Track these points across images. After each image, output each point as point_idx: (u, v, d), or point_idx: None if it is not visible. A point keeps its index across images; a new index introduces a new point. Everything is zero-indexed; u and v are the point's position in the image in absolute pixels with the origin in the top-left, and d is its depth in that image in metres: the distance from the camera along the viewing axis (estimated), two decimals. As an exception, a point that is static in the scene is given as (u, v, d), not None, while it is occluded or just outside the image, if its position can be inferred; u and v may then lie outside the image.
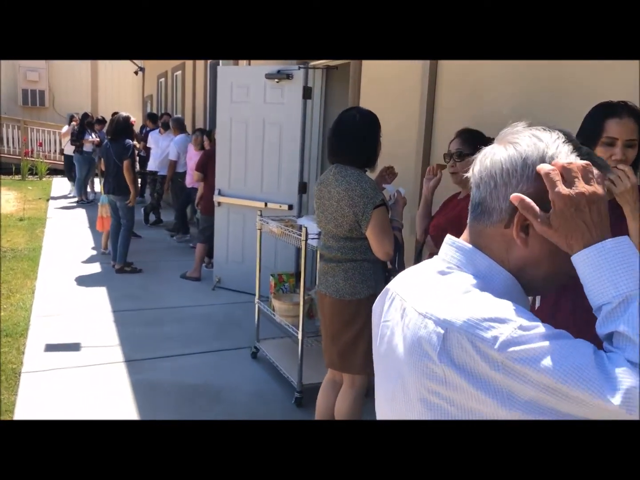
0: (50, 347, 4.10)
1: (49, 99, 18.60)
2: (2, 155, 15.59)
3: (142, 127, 11.00)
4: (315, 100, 5.20)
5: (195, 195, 7.53)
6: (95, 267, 6.41)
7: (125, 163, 6.16)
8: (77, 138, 10.86)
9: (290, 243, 3.66)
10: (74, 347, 4.14)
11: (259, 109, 5.31)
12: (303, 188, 5.27)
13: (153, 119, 10.20)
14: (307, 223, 3.41)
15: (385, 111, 3.45)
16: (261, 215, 3.87)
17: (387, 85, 3.99)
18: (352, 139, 2.65)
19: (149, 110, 13.77)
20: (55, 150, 16.33)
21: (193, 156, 7.29)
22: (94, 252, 7.10)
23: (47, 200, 11.28)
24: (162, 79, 12.25)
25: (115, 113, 10.80)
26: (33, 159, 15.14)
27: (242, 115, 5.41)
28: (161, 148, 8.86)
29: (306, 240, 3.22)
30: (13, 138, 15.94)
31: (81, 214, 9.93)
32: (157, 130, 9.07)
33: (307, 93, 5.13)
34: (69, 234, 8.09)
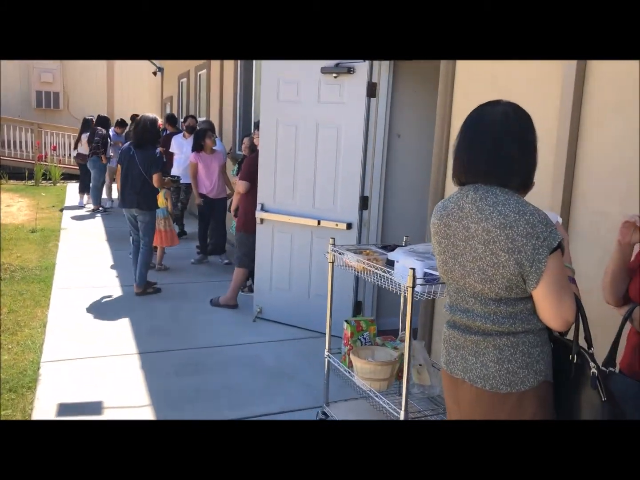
0: (64, 409, 3.26)
1: (64, 101, 17.92)
2: (15, 159, 14.89)
3: (163, 130, 10.21)
4: (381, 100, 4.34)
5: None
6: (116, 290, 5.59)
7: (156, 177, 5.32)
8: (101, 145, 10.02)
9: (379, 283, 2.80)
10: (95, 408, 3.30)
11: (311, 109, 4.46)
12: (364, 203, 4.41)
13: (172, 122, 9.41)
14: (405, 259, 2.55)
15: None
16: (334, 244, 3.01)
17: (503, 89, 3.11)
18: (508, 147, 1.78)
19: (169, 114, 13.00)
20: (70, 155, 15.61)
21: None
22: (114, 272, 6.28)
23: (61, 210, 10.51)
24: (184, 79, 11.46)
25: (135, 115, 10.07)
26: (47, 164, 14.41)
27: (291, 117, 4.56)
28: (186, 154, 8.04)
29: (414, 286, 2.35)
30: (26, 142, 15.23)
31: (97, 224, 9.14)
32: (181, 135, 8.26)
33: (371, 90, 4.27)
34: (85, 249, 7.28)
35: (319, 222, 4.49)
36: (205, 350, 4.23)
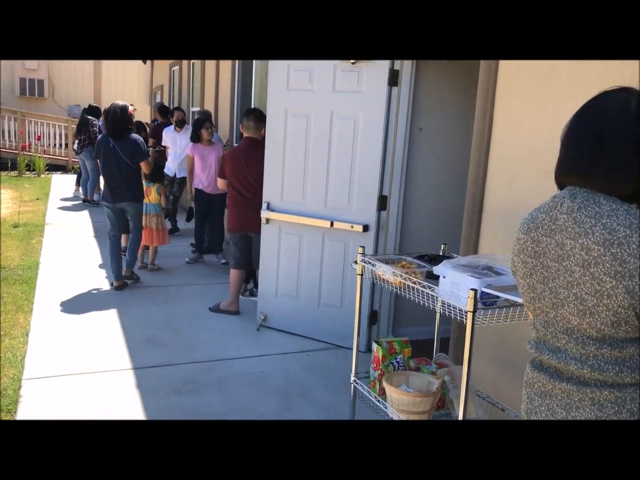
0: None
1: (49, 89, 17.30)
2: (-3, 149, 14.30)
3: (154, 120, 9.73)
4: (403, 89, 3.93)
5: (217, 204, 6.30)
6: (105, 293, 5.15)
7: (144, 164, 5.21)
8: (93, 135, 9.50)
9: (421, 302, 2.41)
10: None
11: (325, 98, 4.05)
12: (383, 203, 4.01)
13: (164, 112, 8.96)
14: (455, 275, 2.15)
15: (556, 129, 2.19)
16: (363, 253, 2.60)
17: (562, 88, 2.72)
18: (620, 144, 1.39)
19: (158, 102, 12.49)
20: (55, 145, 15.03)
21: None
22: (102, 272, 5.83)
23: (46, 200, 9.99)
24: (176, 67, 10.96)
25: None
26: (31, 154, 13.82)
27: (302, 107, 4.14)
28: (180, 147, 7.60)
29: (475, 310, 1.95)
30: (9, 131, 14.60)
31: (84, 218, 8.66)
32: (172, 127, 7.79)
33: (393, 78, 3.87)
34: (71, 246, 6.81)
35: (331, 224, 4.09)
36: (205, 365, 3.81)
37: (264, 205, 4.39)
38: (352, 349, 4.15)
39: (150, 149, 6.28)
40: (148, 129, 8.62)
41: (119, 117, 5.03)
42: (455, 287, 2.20)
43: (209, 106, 8.34)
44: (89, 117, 9.66)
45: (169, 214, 7.89)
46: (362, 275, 2.61)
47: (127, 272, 5.42)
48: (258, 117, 4.60)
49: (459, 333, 3.22)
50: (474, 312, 1.95)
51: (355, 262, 2.63)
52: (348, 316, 4.14)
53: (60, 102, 17.50)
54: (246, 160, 4.54)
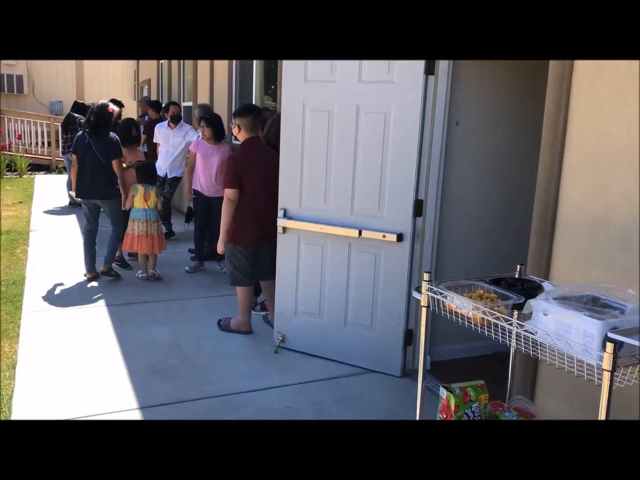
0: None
1: (28, 85, 16.56)
2: (-25, 149, 13.58)
3: (143, 115, 9.16)
4: (441, 78, 3.44)
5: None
6: (100, 311, 4.63)
7: (115, 163, 5.23)
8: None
9: (512, 345, 1.93)
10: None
11: (350, 90, 3.55)
12: (419, 209, 3.53)
13: (156, 107, 8.43)
14: (566, 314, 1.68)
15: None
16: (430, 280, 2.11)
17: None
18: None
19: (145, 97, 11.89)
20: (37, 143, 14.34)
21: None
22: (95, 285, 5.30)
23: (30, 204, 9.38)
24: (164, 61, 10.37)
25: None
26: (11, 154, 13.14)
27: (323, 100, 3.64)
28: (173, 145, 7.06)
29: (613, 370, 1.47)
30: (-12, 129, 13.90)
31: (72, 223, 8.08)
32: (165, 123, 7.24)
33: (430, 65, 3.38)
34: (59, 256, 6.26)
35: (360, 232, 3.60)
36: (222, 400, 3.31)
37: (280, 213, 3.89)
38: (386, 374, 3.70)
39: (134, 162, 5.81)
40: (142, 127, 8.08)
41: (95, 114, 5.21)
42: (563, 328, 1.72)
43: (203, 101, 7.78)
44: (76, 115, 9.07)
45: (163, 217, 7.35)
46: (428, 307, 2.12)
47: (104, 268, 5.41)
48: (258, 113, 4.10)
49: (526, 370, 2.73)
50: (612, 371, 1.47)
51: (418, 291, 2.15)
52: (380, 336, 3.67)
53: (41, 99, 16.79)
54: (263, 163, 4.02)
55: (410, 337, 3.68)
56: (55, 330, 4.23)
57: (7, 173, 12.82)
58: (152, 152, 7.53)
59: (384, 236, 3.53)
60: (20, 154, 13.20)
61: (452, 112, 3.58)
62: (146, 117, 8.64)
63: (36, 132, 14.35)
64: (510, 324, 1.88)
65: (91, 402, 3.21)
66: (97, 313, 4.62)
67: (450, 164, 3.65)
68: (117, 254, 5.83)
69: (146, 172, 5.53)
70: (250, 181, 4.00)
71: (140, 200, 5.44)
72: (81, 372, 3.59)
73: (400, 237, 3.51)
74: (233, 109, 6.83)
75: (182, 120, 7.24)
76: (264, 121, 4.55)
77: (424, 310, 2.12)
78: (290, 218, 3.86)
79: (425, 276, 2.10)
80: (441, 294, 2.08)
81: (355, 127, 3.56)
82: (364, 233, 3.60)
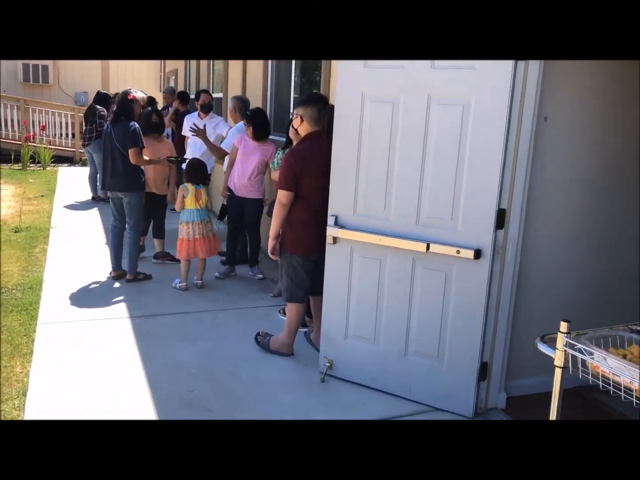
0: None
1: (54, 75, 16.23)
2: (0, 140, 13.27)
3: (166, 107, 8.70)
4: (532, 64, 2.86)
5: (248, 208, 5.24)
6: (123, 325, 4.14)
7: (132, 152, 4.86)
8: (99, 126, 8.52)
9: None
10: None
11: (420, 77, 2.98)
12: (501, 220, 2.95)
13: (184, 99, 8.00)
14: None
15: None
16: (568, 332, 1.55)
17: None
18: None
19: (170, 87, 11.44)
20: (61, 135, 13.99)
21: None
22: (118, 292, 4.83)
23: (52, 197, 8.99)
24: (193, 49, 9.87)
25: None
26: (35, 145, 12.79)
27: (387, 89, 3.08)
28: (204, 137, 6.56)
29: None
30: (12, 120, 13.57)
31: (94, 220, 7.64)
32: (195, 114, 6.77)
33: (522, 47, 2.79)
34: (80, 257, 5.80)
35: (428, 246, 3.04)
36: (266, 443, 2.79)
37: (331, 220, 3.34)
38: (455, 414, 3.15)
39: (167, 157, 5.45)
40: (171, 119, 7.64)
41: (117, 102, 5.09)
42: None
43: (235, 89, 7.26)
44: (98, 106, 8.65)
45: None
46: (564, 368, 1.56)
47: (130, 277, 5.12)
48: (325, 104, 3.55)
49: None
50: None
51: (547, 344, 1.58)
52: (449, 370, 3.11)
53: (66, 89, 16.45)
54: (325, 162, 3.45)
55: (484, 369, 3.12)
56: (72, 347, 3.75)
57: (31, 165, 12.48)
58: (181, 145, 7.05)
59: (458, 252, 2.97)
60: (44, 146, 12.85)
61: (545, 106, 3.00)
62: (168, 109, 8.19)
63: (60, 123, 14.00)
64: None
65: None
66: (119, 325, 4.13)
67: (535, 167, 3.07)
68: (158, 250, 5.75)
69: (197, 172, 5.04)
70: (311, 181, 3.46)
71: (192, 201, 4.94)
72: (101, 402, 3.10)
73: (478, 254, 2.94)
74: (268, 102, 6.30)
75: (213, 110, 6.76)
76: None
77: (557, 372, 1.56)
78: (342, 227, 3.31)
79: (563, 326, 1.54)
80: (583, 350, 1.51)
81: (425, 121, 3.00)
82: (433, 247, 3.04)
